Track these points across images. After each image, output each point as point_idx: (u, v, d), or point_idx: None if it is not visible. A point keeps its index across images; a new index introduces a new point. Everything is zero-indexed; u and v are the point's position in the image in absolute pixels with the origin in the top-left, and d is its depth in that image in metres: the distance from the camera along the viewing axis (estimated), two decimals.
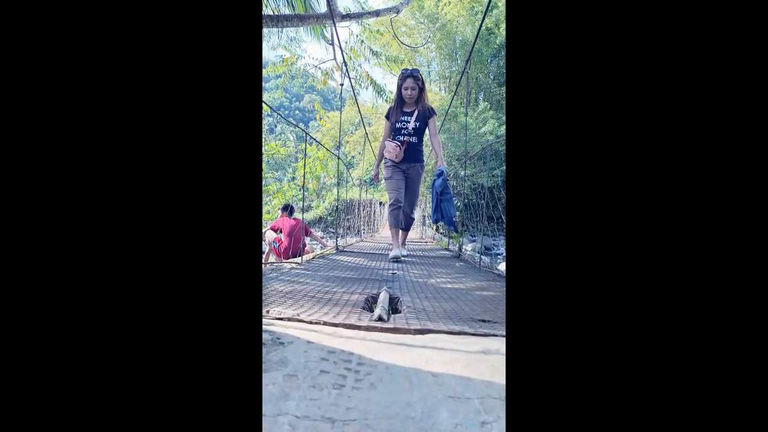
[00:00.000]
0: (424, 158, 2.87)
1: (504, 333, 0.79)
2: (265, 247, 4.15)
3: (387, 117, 2.75)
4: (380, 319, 0.88)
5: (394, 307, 1.09)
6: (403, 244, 2.87)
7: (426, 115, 2.64)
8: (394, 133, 2.69)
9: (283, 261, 3.71)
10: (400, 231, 2.75)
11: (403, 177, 2.70)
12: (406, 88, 2.59)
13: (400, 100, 2.66)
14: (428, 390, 0.54)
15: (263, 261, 3.64)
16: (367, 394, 0.53)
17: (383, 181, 2.79)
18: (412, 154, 2.67)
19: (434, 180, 2.63)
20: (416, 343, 0.73)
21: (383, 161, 2.78)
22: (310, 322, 0.83)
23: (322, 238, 7.77)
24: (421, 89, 2.63)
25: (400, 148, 2.61)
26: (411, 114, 2.62)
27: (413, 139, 2.64)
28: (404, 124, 2.63)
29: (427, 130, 2.71)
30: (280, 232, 4.05)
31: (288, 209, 4.19)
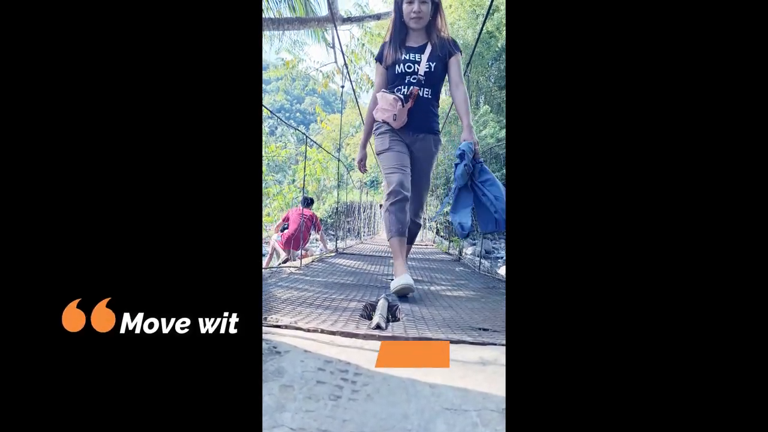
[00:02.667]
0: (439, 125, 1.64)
1: (503, 342, 0.78)
2: (266, 251, 4.15)
3: (379, 59, 1.59)
4: (378, 327, 0.87)
5: (392, 314, 1.08)
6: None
7: (446, 51, 1.52)
8: (392, 81, 1.55)
9: (283, 249, 3.79)
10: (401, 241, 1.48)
11: (406, 149, 1.55)
12: (411, 2, 1.46)
13: (400, 26, 1.52)
14: (425, 402, 0.53)
15: (263, 265, 3.64)
16: (364, 405, 0.52)
17: (378, 156, 1.59)
18: (421, 118, 1.54)
19: (455, 165, 1.45)
20: None
21: (375, 127, 1.60)
22: (308, 330, 0.82)
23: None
24: (437, 5, 1.51)
25: (403, 105, 1.49)
26: (421, 50, 1.51)
27: (425, 93, 1.52)
28: (410, 66, 1.50)
29: (446, 78, 1.57)
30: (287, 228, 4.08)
31: (306, 202, 4.21)
